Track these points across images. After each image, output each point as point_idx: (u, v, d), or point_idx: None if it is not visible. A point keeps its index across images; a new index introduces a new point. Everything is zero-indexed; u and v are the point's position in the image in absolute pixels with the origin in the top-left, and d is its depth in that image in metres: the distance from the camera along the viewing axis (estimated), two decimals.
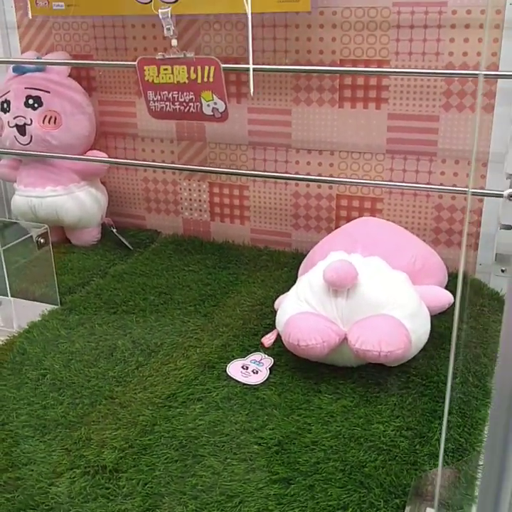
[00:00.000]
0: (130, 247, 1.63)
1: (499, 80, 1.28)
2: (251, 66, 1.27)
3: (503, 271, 1.39)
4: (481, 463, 0.89)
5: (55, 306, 1.35)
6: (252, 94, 1.34)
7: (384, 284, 1.06)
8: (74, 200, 1.60)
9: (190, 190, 1.68)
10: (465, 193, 1.37)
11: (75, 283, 1.45)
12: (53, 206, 1.59)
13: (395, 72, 1.35)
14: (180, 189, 1.69)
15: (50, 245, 1.33)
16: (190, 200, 1.69)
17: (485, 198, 1.36)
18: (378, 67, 1.37)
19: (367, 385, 1.05)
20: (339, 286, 1.04)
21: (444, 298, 1.16)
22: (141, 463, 0.90)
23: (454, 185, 1.39)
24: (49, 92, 1.56)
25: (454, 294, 1.21)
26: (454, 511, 0.83)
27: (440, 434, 0.93)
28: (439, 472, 0.71)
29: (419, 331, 1.04)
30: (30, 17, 1.58)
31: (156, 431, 0.96)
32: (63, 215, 1.60)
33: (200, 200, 1.68)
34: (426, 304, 1.09)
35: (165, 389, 1.06)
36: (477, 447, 0.91)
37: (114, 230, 1.65)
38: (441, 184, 1.40)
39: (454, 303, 1.17)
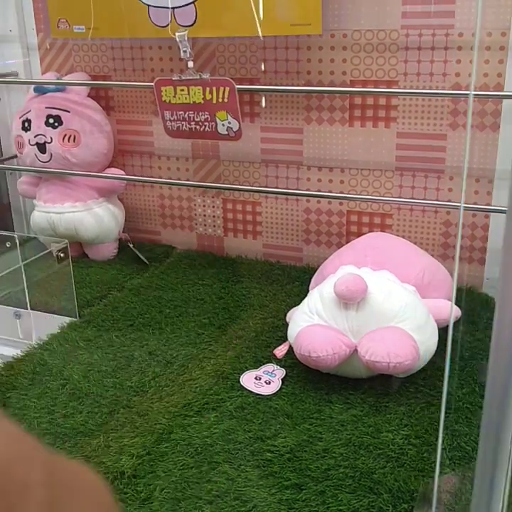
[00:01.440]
0: (146, 261, 1.67)
1: (504, 100, 1.32)
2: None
3: None
4: None
5: (74, 319, 1.39)
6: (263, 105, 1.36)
7: (393, 297, 1.09)
8: (92, 216, 1.65)
9: (204, 206, 1.73)
10: (472, 210, 1.40)
11: (93, 296, 1.49)
12: (72, 222, 1.64)
13: (403, 92, 1.39)
14: (195, 205, 1.74)
15: (70, 259, 1.38)
16: (205, 216, 1.73)
17: (491, 214, 1.40)
18: (387, 87, 1.41)
19: (376, 395, 1.08)
20: (349, 299, 1.08)
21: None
22: (158, 469, 0.94)
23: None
24: (69, 111, 1.61)
25: (462, 307, 1.24)
26: None
27: (447, 443, 0.96)
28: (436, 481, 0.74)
29: (427, 342, 1.08)
30: (50, 41, 1.63)
31: (173, 439, 1.00)
32: (82, 230, 1.65)
33: (213, 216, 1.72)
34: (434, 317, 1.12)
35: (181, 398, 1.09)
36: None
37: (131, 245, 1.69)
38: (449, 200, 1.43)
39: (460, 317, 1.21)
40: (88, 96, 1.68)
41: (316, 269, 1.37)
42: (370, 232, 1.51)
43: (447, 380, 0.44)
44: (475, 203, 1.40)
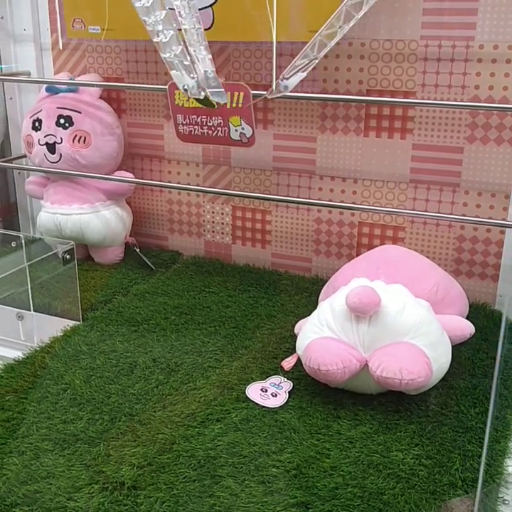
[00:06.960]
0: (152, 267, 1.64)
1: None
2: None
3: None
4: (500, 495, 0.89)
5: (77, 322, 1.36)
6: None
7: (406, 312, 1.06)
8: (99, 219, 1.62)
9: (213, 212, 1.70)
10: (487, 224, 1.38)
11: (98, 300, 1.47)
12: (79, 224, 1.61)
13: (420, 103, 1.37)
14: (204, 212, 1.71)
15: (76, 261, 1.35)
16: (213, 222, 1.71)
17: (507, 229, 1.37)
18: (404, 98, 1.39)
19: (386, 412, 1.05)
20: (362, 312, 1.05)
21: (465, 328, 1.16)
22: (159, 481, 0.90)
23: (477, 217, 1.39)
24: (80, 112, 1.59)
25: (475, 324, 1.21)
26: None
27: (460, 464, 0.92)
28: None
29: (441, 359, 1.04)
30: (63, 40, 1.62)
31: (175, 449, 0.97)
32: (88, 233, 1.62)
33: (222, 223, 1.70)
34: (447, 334, 1.09)
35: (184, 408, 1.06)
36: (497, 479, 0.90)
37: (138, 250, 1.67)
38: (463, 215, 1.41)
39: (475, 333, 1.18)
40: (100, 98, 1.66)
41: (325, 281, 1.35)
42: (381, 244, 1.48)
43: (494, 398, 0.41)
44: (490, 218, 1.38)
